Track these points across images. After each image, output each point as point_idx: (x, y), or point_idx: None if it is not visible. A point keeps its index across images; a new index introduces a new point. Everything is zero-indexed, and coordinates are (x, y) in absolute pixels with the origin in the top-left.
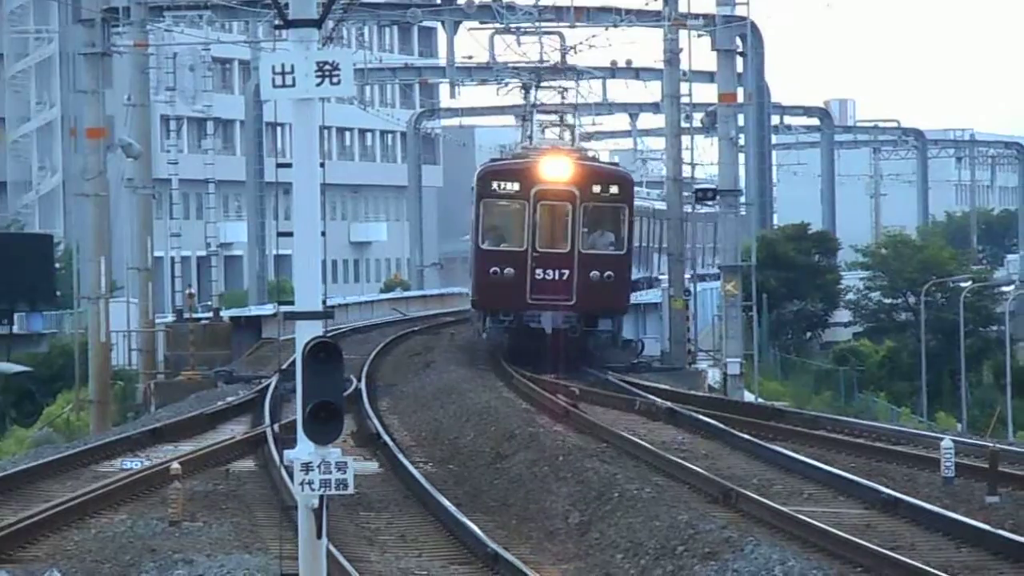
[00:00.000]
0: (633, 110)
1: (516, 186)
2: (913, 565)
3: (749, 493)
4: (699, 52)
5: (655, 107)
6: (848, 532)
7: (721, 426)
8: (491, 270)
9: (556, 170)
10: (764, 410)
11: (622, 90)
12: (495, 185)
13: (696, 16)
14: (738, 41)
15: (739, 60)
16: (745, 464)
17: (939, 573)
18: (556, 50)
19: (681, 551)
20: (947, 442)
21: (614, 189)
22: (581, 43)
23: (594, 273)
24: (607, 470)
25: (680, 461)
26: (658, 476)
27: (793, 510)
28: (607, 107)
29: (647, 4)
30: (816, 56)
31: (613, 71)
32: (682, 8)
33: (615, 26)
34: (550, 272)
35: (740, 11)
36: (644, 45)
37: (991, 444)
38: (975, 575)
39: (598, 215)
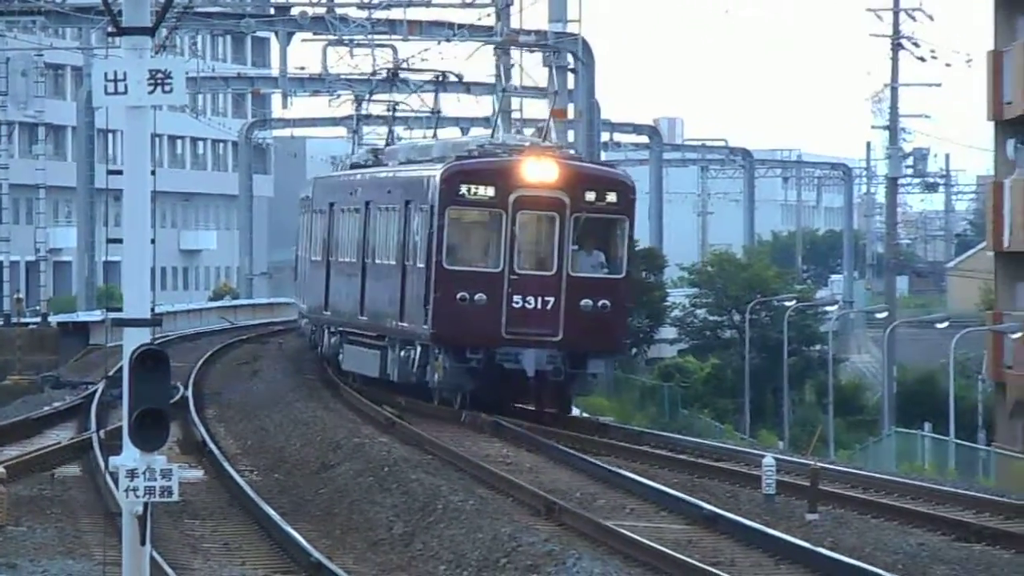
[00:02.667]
0: (464, 124)
1: (491, 191)
2: None
3: (572, 507)
4: (532, 67)
5: (486, 121)
6: (669, 547)
7: (545, 440)
8: (458, 296)
9: (541, 172)
10: (589, 424)
11: (453, 103)
12: (464, 189)
13: (528, 32)
14: (570, 58)
15: (571, 77)
16: (569, 478)
17: None
18: (388, 62)
19: (504, 563)
20: (769, 459)
21: (611, 197)
22: (413, 56)
23: (586, 302)
24: (432, 482)
25: (504, 474)
26: (482, 488)
27: (616, 524)
28: (437, 119)
29: (480, 19)
30: (647, 75)
31: (444, 85)
32: (514, 24)
33: (448, 40)
34: (531, 300)
35: (572, 28)
36: (477, 59)
37: (812, 462)
38: None
39: (592, 229)
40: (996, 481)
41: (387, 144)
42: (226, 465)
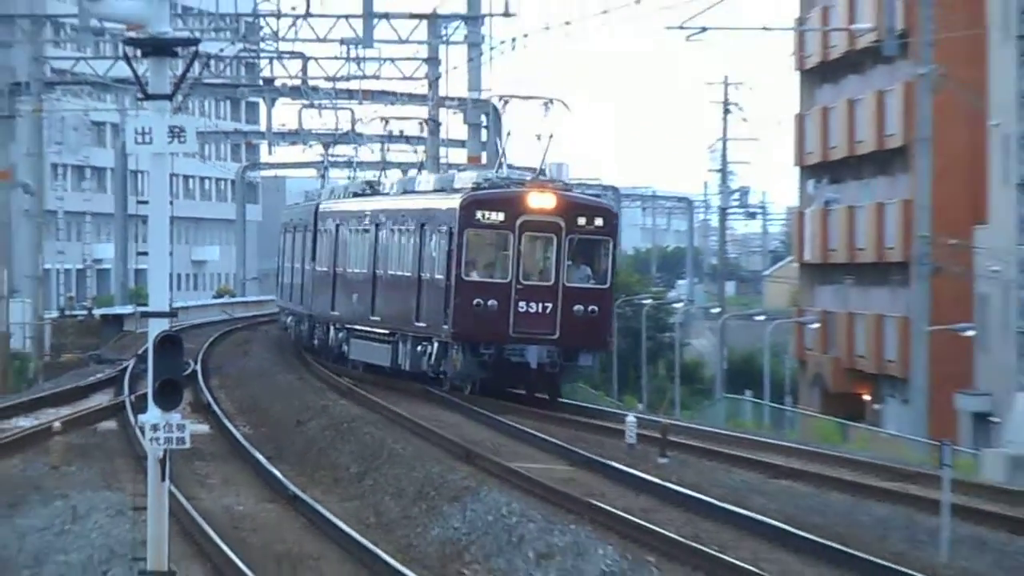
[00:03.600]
0: (405, 167)
1: (501, 216)
2: (602, 507)
3: (484, 453)
4: (454, 125)
5: (421, 166)
6: (557, 483)
7: (464, 403)
8: (474, 301)
9: (542, 201)
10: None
11: (398, 153)
12: (479, 215)
13: (452, 99)
14: (483, 117)
15: (483, 131)
16: (482, 432)
17: (622, 513)
18: (348, 121)
19: (433, 495)
20: (631, 418)
21: (599, 221)
22: (366, 117)
23: (578, 307)
24: (379, 434)
25: (434, 429)
26: (417, 439)
27: (517, 466)
28: (384, 165)
29: (416, 89)
30: (541, 127)
31: (390, 137)
32: (442, 93)
33: (392, 104)
34: (533, 305)
35: (485, 95)
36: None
37: (663, 420)
38: (649, 515)
39: (583, 248)
40: (799, 434)
41: (378, 180)
42: (225, 421)
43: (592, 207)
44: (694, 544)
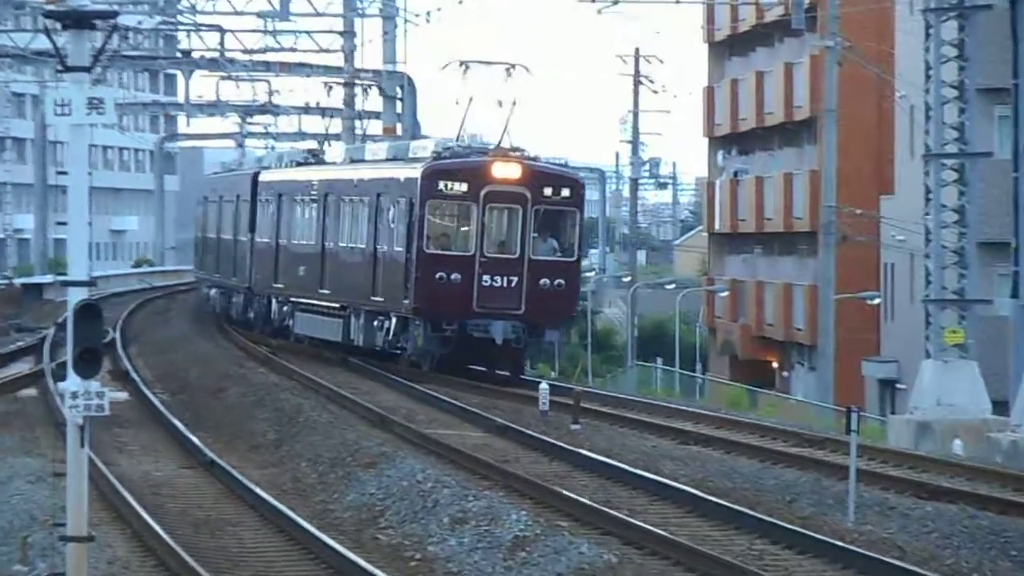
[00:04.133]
0: (321, 139)
1: (464, 187)
2: (515, 473)
3: (399, 420)
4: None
5: (337, 136)
6: (471, 449)
7: (379, 371)
8: (436, 275)
9: (507, 171)
10: (414, 362)
11: (315, 124)
12: (441, 185)
13: (368, 71)
14: (398, 89)
15: (399, 103)
16: (397, 399)
17: (535, 478)
18: (266, 92)
19: (349, 461)
20: (544, 385)
21: (566, 192)
22: (282, 89)
23: (544, 281)
24: (296, 401)
25: (350, 395)
26: (333, 406)
27: (431, 432)
28: (301, 136)
29: (332, 61)
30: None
31: (307, 109)
32: (358, 64)
33: (307, 76)
34: (498, 279)
35: (400, 68)
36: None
37: (575, 387)
38: (561, 480)
39: (549, 219)
40: (708, 400)
41: (321, 149)
42: (144, 388)
43: (559, 177)
44: (606, 509)
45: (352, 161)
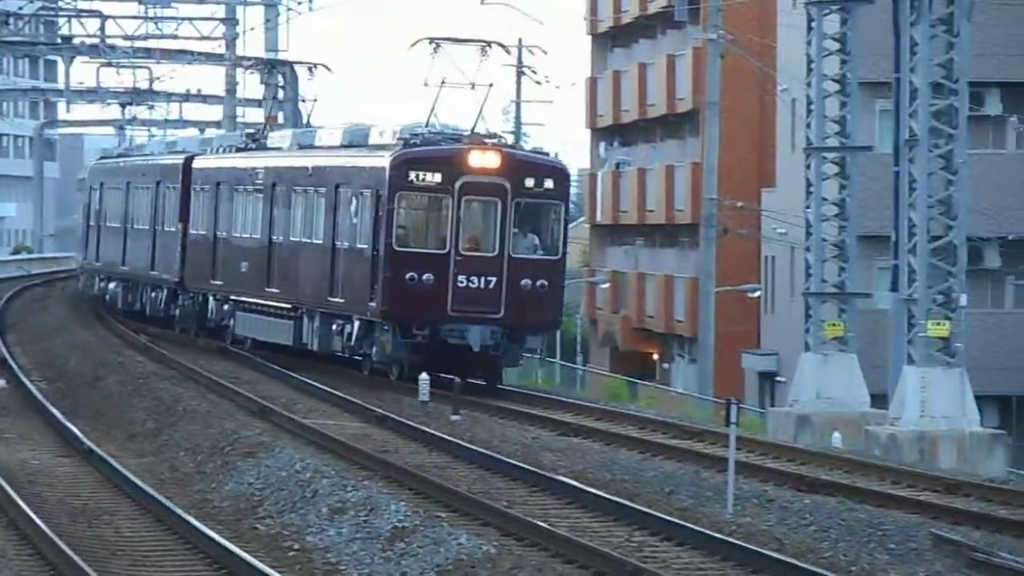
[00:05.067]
0: (202, 126)
1: (438, 177)
2: (395, 463)
3: (279, 409)
4: (251, 85)
5: (219, 124)
6: (350, 439)
7: (261, 360)
8: (407, 275)
9: (485, 160)
10: (294, 350)
11: (195, 111)
12: (413, 175)
13: (250, 58)
14: (279, 77)
15: (281, 92)
16: (277, 388)
17: (414, 469)
18: (146, 79)
19: (228, 450)
20: (424, 376)
21: (549, 183)
22: (163, 76)
23: (525, 281)
24: (175, 390)
25: (229, 385)
26: (213, 395)
27: (311, 422)
28: (183, 123)
29: (214, 49)
30: (341, 85)
31: (188, 96)
32: (239, 52)
33: (189, 63)
34: (475, 280)
35: (283, 55)
36: (213, 78)
37: (455, 379)
38: (441, 471)
39: (531, 214)
40: (589, 392)
41: (262, 133)
42: (22, 376)
43: (541, 166)
44: (485, 500)
45: (301, 147)
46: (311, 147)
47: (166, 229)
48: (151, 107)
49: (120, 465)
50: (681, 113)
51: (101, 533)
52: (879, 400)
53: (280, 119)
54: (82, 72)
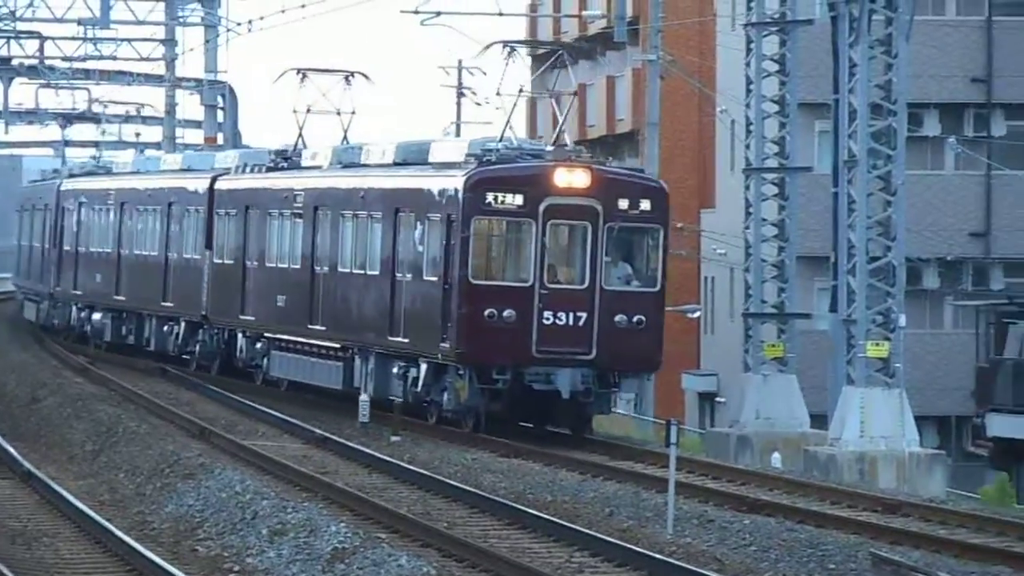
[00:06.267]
0: (141, 147)
1: (519, 199)
2: (335, 485)
3: (219, 431)
4: (191, 106)
5: (158, 145)
6: (290, 461)
7: (198, 381)
8: (485, 312)
9: (573, 178)
10: (238, 372)
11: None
12: (491, 197)
13: (189, 80)
14: (219, 98)
15: (220, 112)
16: (217, 410)
17: (355, 490)
18: (86, 100)
19: (168, 472)
20: (364, 396)
21: (645, 204)
22: (104, 97)
23: (620, 317)
24: (115, 412)
25: (169, 407)
26: (153, 417)
27: (251, 443)
28: (123, 145)
29: (153, 69)
30: (279, 109)
31: (128, 117)
32: (179, 73)
33: (128, 84)
34: (562, 316)
35: (222, 77)
36: (153, 98)
37: (397, 399)
38: (381, 492)
39: (626, 240)
40: None
41: (295, 150)
42: None
43: (637, 185)
44: (425, 522)
45: (345, 166)
46: (356, 165)
47: (185, 257)
48: (101, 125)
49: (60, 487)
50: (621, 134)
51: (40, 555)
52: (819, 420)
53: (219, 140)
54: (20, 93)
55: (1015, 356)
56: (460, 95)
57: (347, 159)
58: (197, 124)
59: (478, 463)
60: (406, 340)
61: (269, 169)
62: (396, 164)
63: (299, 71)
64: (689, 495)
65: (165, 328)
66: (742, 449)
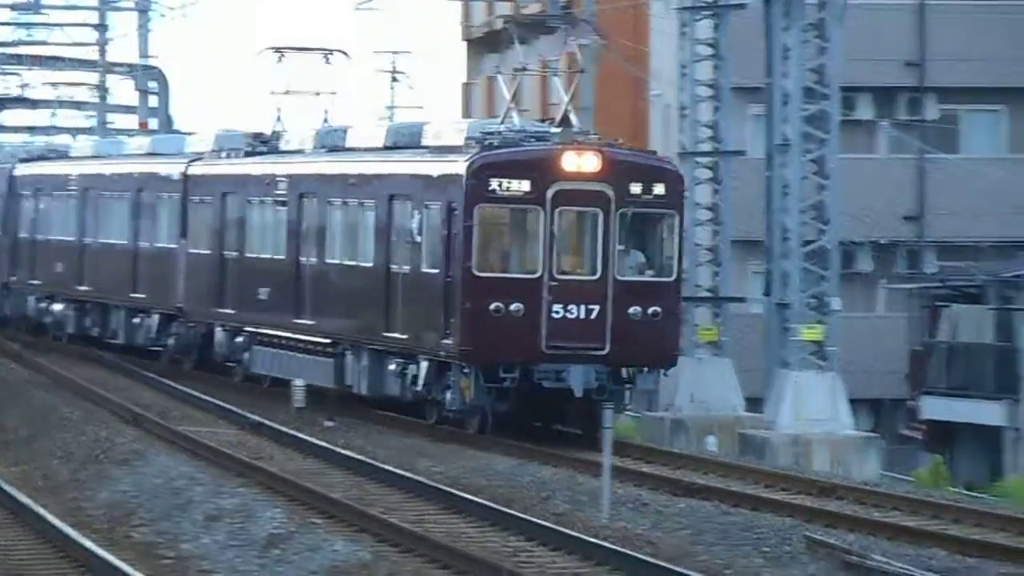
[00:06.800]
0: (75, 133)
1: (526, 185)
2: (269, 470)
3: (152, 416)
4: (123, 91)
5: (91, 131)
6: (224, 447)
7: (133, 368)
8: (491, 306)
9: (582, 162)
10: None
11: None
12: (495, 184)
13: (121, 64)
14: (151, 84)
15: (152, 98)
16: (151, 396)
17: (289, 475)
18: (19, 86)
19: (102, 458)
20: (298, 382)
21: (659, 189)
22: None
23: (634, 309)
24: (49, 398)
25: (103, 392)
26: (86, 403)
27: (184, 429)
28: (55, 130)
29: (87, 55)
30: (214, 90)
31: (61, 103)
32: (111, 58)
33: (61, 70)
34: (573, 308)
35: (154, 62)
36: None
37: (332, 384)
38: (316, 477)
39: (639, 226)
40: None
41: (274, 134)
42: None
43: (651, 168)
44: (360, 507)
45: (330, 150)
46: (342, 149)
47: (157, 246)
48: (36, 109)
49: None
50: (554, 119)
51: None
52: (754, 404)
53: (151, 125)
54: None
55: (948, 339)
56: (394, 79)
57: (331, 142)
58: (128, 109)
59: (414, 448)
60: (404, 336)
61: (247, 154)
62: (386, 148)
63: (276, 50)
64: (624, 479)
65: (135, 320)
66: (677, 433)
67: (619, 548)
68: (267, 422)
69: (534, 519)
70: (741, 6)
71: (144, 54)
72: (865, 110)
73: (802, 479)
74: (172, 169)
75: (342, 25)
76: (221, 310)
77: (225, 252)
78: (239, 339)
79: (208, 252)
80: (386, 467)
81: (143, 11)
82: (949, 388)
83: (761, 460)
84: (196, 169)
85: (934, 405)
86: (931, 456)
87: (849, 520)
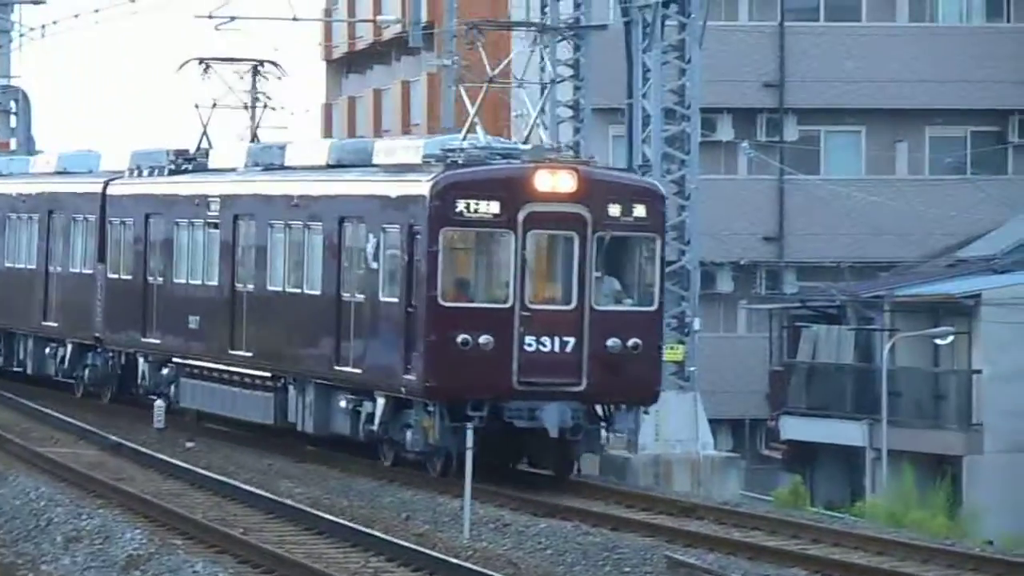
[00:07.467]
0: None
1: (495, 206)
2: (130, 491)
3: (13, 437)
4: None
5: None
6: (85, 467)
7: None
8: (458, 339)
9: (556, 181)
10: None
11: None
12: (462, 205)
13: None
14: (12, 103)
15: (12, 118)
16: (12, 416)
17: (150, 496)
18: None
19: None
20: (159, 403)
21: (640, 210)
22: None
23: (613, 341)
24: None
25: None
26: None
27: (44, 450)
28: None
29: None
30: (83, 112)
31: None
32: None
33: None
34: (547, 341)
35: (15, 82)
36: None
37: (195, 406)
38: (177, 498)
39: (617, 251)
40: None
41: (200, 150)
42: None
43: (630, 188)
44: (221, 527)
45: (266, 168)
46: (279, 168)
47: (72, 271)
48: None
49: None
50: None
51: None
52: None
53: (11, 145)
54: None
55: (808, 359)
56: (254, 100)
57: (266, 160)
58: None
59: (274, 468)
60: (358, 371)
61: (172, 172)
62: (331, 167)
63: (201, 61)
64: (485, 500)
65: (47, 350)
66: None
67: (480, 569)
68: (127, 443)
69: (395, 539)
70: (602, 27)
71: (4, 73)
72: (725, 131)
73: (663, 499)
74: (88, 188)
75: (207, 46)
76: (145, 339)
77: (149, 277)
78: (165, 371)
79: (130, 277)
80: (247, 488)
81: (3, 31)
82: (809, 408)
83: (622, 481)
84: (115, 189)
85: (794, 425)
86: (791, 476)
87: (709, 540)
